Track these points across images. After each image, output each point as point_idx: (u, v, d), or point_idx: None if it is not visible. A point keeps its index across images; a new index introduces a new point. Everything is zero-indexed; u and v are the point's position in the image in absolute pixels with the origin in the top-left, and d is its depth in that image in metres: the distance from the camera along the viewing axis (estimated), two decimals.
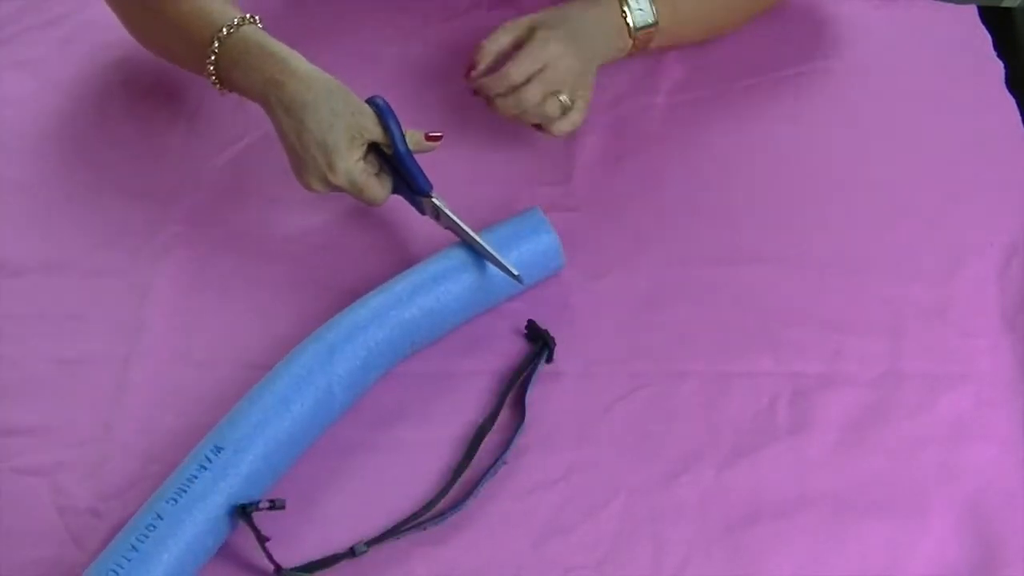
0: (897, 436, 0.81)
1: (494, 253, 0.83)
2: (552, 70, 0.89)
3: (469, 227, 0.84)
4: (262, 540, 0.72)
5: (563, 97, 0.90)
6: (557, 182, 0.95)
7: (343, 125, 0.83)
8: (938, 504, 0.78)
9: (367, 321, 0.79)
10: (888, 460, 0.80)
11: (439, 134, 0.88)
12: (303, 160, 0.84)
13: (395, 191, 0.88)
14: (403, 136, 0.85)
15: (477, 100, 0.94)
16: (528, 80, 0.89)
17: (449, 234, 0.86)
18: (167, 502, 0.71)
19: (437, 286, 0.81)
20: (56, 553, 0.75)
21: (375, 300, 0.80)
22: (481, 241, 0.83)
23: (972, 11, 1.09)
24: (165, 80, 1.01)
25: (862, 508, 0.78)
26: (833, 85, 1.03)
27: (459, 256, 0.83)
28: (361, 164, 0.84)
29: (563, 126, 0.92)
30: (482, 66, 0.92)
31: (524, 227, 0.85)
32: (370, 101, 0.85)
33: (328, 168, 0.83)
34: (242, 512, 0.72)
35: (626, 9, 0.92)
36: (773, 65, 1.05)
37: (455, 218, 0.85)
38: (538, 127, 0.93)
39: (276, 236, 0.92)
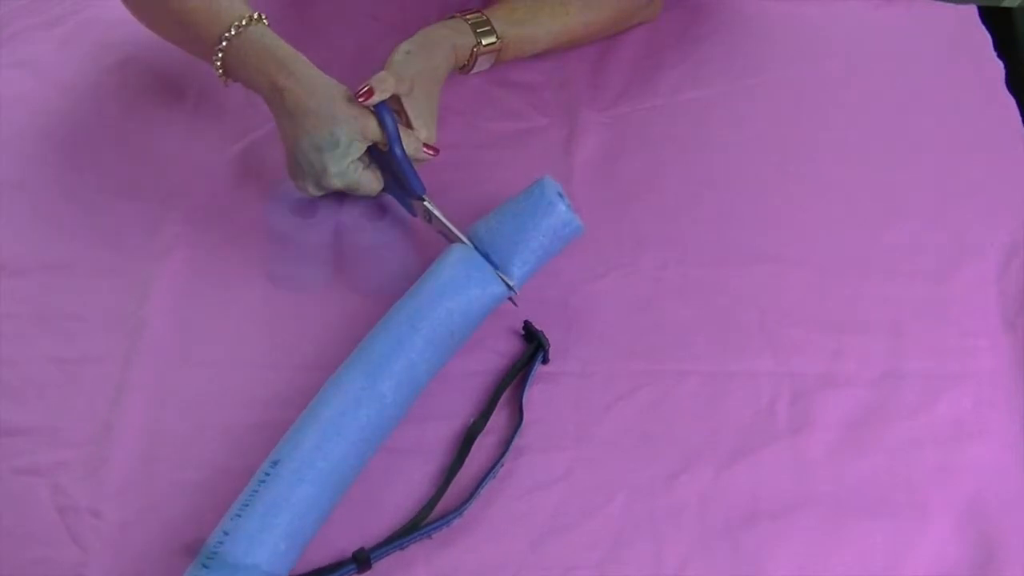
0: (897, 436, 0.81)
1: (484, 260, 0.83)
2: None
3: (459, 231, 0.85)
4: None
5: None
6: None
7: (343, 131, 0.83)
8: (937, 504, 0.78)
9: (403, 336, 0.78)
10: (887, 460, 0.80)
11: (436, 149, 0.89)
12: (300, 164, 0.85)
13: (386, 189, 0.88)
14: (399, 138, 0.85)
15: (478, 101, 0.94)
16: None
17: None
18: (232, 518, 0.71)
19: (466, 291, 0.81)
20: (56, 553, 0.75)
21: (403, 315, 0.79)
22: (471, 244, 0.83)
23: (972, 11, 1.09)
24: (165, 80, 1.01)
25: (862, 508, 0.78)
26: (833, 85, 1.04)
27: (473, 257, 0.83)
28: (353, 164, 0.85)
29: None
30: None
31: (532, 204, 0.84)
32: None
33: (322, 172, 0.84)
34: None
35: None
36: (773, 65, 1.05)
37: (446, 222, 0.85)
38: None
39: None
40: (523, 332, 0.86)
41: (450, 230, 0.85)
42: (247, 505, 0.71)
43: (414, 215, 0.88)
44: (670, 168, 0.97)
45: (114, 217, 0.92)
